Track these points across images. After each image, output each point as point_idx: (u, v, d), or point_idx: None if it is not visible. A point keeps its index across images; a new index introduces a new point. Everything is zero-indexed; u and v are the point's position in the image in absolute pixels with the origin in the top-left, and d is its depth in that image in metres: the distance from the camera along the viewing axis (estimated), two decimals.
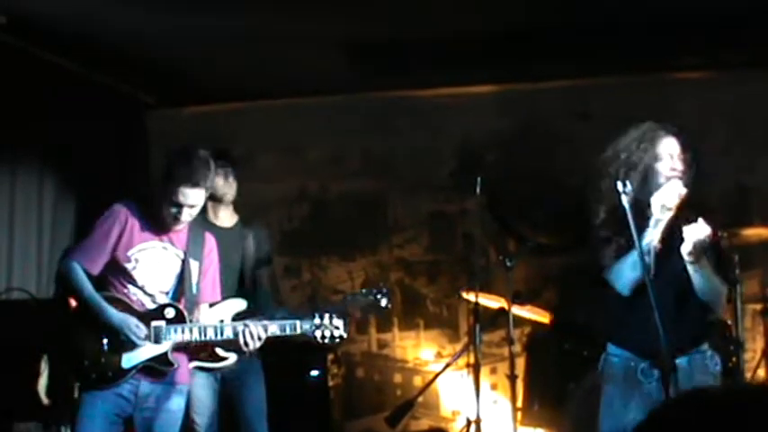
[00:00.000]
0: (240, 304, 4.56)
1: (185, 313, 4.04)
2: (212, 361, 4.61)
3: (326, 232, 7.25)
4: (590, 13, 5.52)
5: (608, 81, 6.62)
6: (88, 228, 4.19)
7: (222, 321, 4.42)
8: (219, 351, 4.58)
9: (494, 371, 6.68)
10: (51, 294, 5.29)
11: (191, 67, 6.49)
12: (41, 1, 5.16)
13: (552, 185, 6.63)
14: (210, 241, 4.25)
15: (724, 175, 6.48)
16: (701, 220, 3.52)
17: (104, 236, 4.00)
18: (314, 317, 4.17)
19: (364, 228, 7.21)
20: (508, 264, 5.32)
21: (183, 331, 4.01)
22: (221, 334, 4.08)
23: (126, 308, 4.00)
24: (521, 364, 5.75)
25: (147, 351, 3.99)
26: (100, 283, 4.03)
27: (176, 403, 4.11)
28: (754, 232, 5.47)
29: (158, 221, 4.04)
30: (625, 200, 3.45)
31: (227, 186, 4.78)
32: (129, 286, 4.02)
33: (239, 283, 4.84)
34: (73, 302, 4.31)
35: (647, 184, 3.64)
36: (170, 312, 4.03)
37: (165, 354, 4.01)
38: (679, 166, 3.66)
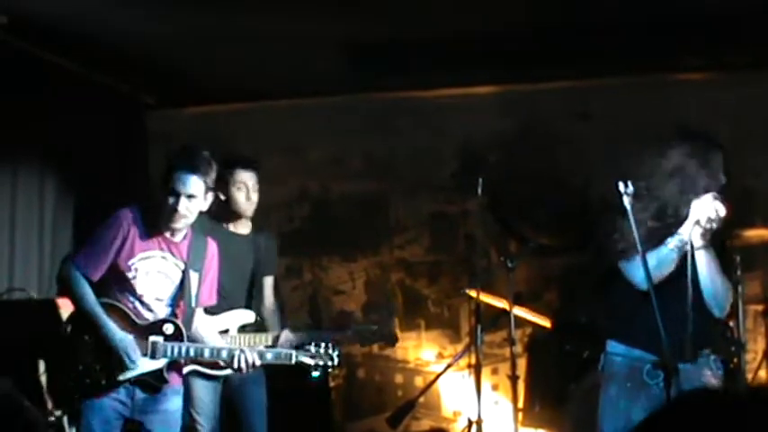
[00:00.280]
0: (247, 316, 4.56)
1: (183, 329, 4.03)
2: (213, 368, 4.61)
3: (327, 233, 7.25)
4: (590, 14, 5.51)
5: (609, 82, 6.62)
6: (88, 228, 4.18)
7: (227, 331, 4.45)
8: None
9: (495, 371, 6.67)
10: (52, 295, 5.28)
11: (191, 68, 6.48)
12: (42, 1, 5.15)
13: (554, 186, 6.63)
14: (212, 247, 4.21)
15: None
16: (712, 192, 3.54)
17: (107, 244, 3.97)
18: (310, 345, 4.24)
19: (365, 228, 7.21)
20: (509, 265, 5.31)
21: (179, 350, 4.01)
22: (217, 356, 4.11)
23: (124, 317, 3.98)
24: (522, 364, 5.75)
25: (142, 365, 3.99)
26: (100, 287, 4.00)
27: (174, 403, 4.11)
28: (755, 233, 5.46)
29: (159, 229, 4.01)
30: (627, 200, 3.45)
31: (250, 204, 4.80)
32: (128, 294, 4.00)
33: (249, 290, 4.84)
34: (61, 304, 4.33)
35: (682, 188, 3.62)
36: (169, 329, 4.01)
37: (161, 370, 4.00)
38: (720, 176, 3.66)
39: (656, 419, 1.49)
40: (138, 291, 4.00)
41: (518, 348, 5.50)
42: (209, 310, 4.37)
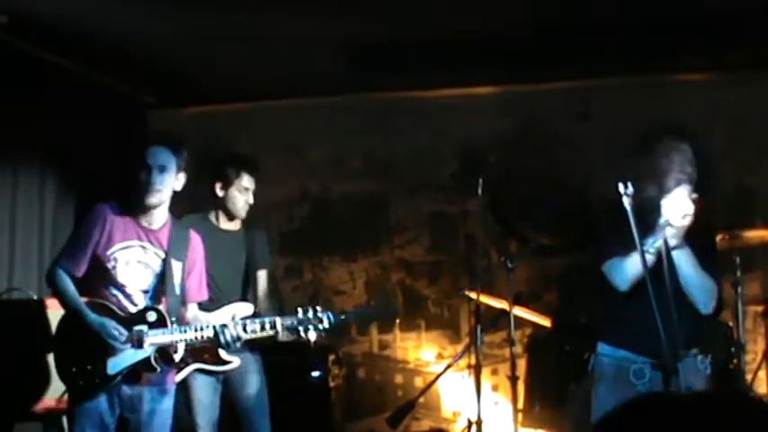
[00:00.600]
0: (246, 309, 4.56)
1: (167, 316, 4.04)
2: (215, 364, 4.62)
3: (328, 233, 7.25)
4: (590, 14, 5.51)
5: (609, 82, 6.61)
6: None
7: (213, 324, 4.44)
8: (223, 354, 4.59)
9: (495, 372, 6.67)
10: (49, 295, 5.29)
11: (191, 68, 6.49)
12: (42, 1, 5.15)
13: (554, 186, 6.63)
14: (195, 239, 4.24)
15: (725, 176, 6.48)
16: (680, 189, 3.54)
17: (85, 238, 4.03)
18: (296, 313, 4.18)
19: (366, 228, 7.20)
20: (510, 265, 5.32)
21: (164, 335, 4.00)
22: (201, 335, 4.07)
23: (107, 312, 4.00)
24: (522, 365, 5.74)
25: (130, 356, 3.99)
26: (84, 285, 4.05)
27: (165, 404, 4.11)
28: (755, 234, 5.46)
29: (137, 219, 4.06)
30: (626, 201, 3.46)
31: (247, 206, 4.86)
32: (110, 287, 4.03)
33: (244, 284, 4.86)
34: (50, 304, 4.34)
35: (658, 188, 3.63)
36: (151, 316, 4.02)
37: (149, 358, 4.00)
38: (689, 170, 3.65)
39: (605, 422, 1.51)
40: (120, 281, 4.02)
41: (518, 349, 5.50)
42: (206, 307, 4.37)
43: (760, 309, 5.80)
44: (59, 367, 4.07)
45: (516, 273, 5.39)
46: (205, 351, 4.59)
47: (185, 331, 4.05)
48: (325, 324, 4.19)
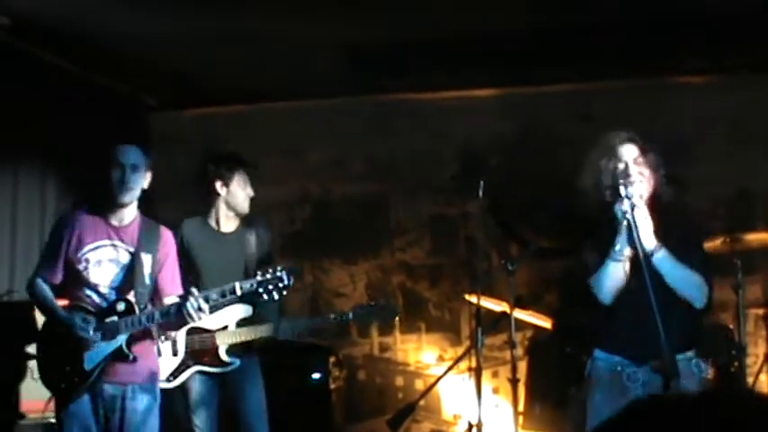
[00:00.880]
0: (245, 310, 4.55)
1: (135, 305, 4.05)
2: (215, 366, 4.61)
3: (328, 235, 7.24)
4: (590, 15, 5.51)
5: (610, 84, 6.61)
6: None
7: (226, 327, 4.43)
8: (223, 356, 4.59)
9: (495, 374, 6.66)
10: None
11: (191, 69, 6.48)
12: (43, 2, 5.16)
13: (554, 188, 6.61)
14: (167, 235, 4.27)
15: (725, 179, 6.48)
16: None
17: (56, 244, 4.13)
18: (255, 275, 4.14)
19: (366, 231, 7.20)
20: (510, 267, 5.30)
21: (133, 322, 4.02)
22: (167, 314, 4.04)
23: (80, 311, 4.05)
24: (522, 367, 5.73)
25: (104, 348, 4.02)
26: (62, 290, 4.11)
27: (145, 402, 4.11)
28: (756, 237, 5.44)
29: (106, 218, 4.11)
30: (627, 204, 3.46)
31: (246, 200, 4.85)
32: (84, 288, 4.08)
33: None
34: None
35: (615, 191, 3.62)
36: (120, 306, 4.05)
37: (120, 347, 4.03)
38: (635, 170, 3.64)
39: (604, 429, 1.50)
40: (93, 281, 4.07)
41: (518, 351, 5.49)
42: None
43: (761, 312, 5.80)
44: (42, 375, 4.13)
45: (517, 275, 5.37)
46: (205, 353, 4.60)
47: (153, 315, 4.05)
48: (286, 281, 4.11)
